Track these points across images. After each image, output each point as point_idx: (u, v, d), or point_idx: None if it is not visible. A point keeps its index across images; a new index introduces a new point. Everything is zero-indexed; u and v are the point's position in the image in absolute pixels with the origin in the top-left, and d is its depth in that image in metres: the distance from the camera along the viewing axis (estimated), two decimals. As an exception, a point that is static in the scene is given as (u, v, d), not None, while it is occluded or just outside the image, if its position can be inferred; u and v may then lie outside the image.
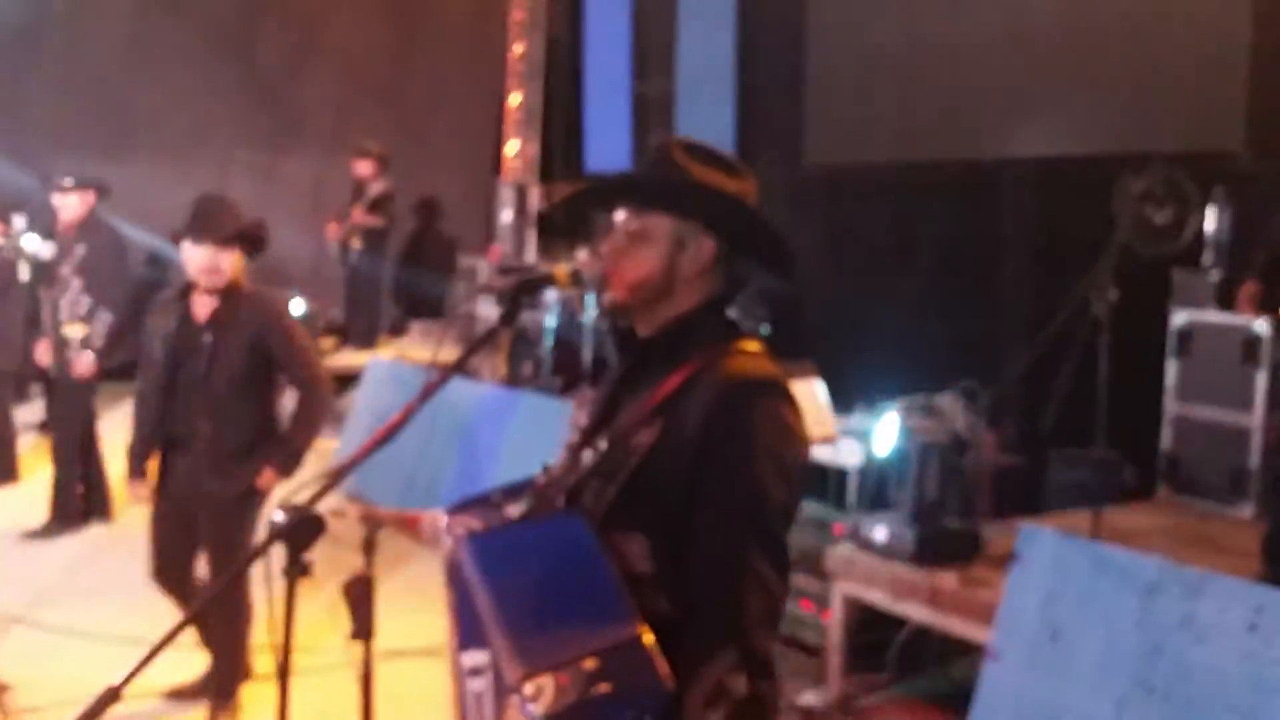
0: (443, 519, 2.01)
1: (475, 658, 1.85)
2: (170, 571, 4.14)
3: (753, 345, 1.97)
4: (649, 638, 1.71)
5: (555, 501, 1.94)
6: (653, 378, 1.93)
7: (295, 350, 4.11)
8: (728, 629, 1.76)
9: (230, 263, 4.02)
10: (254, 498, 4.06)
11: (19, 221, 7.46)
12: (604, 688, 1.65)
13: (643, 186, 2.04)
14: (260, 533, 3.98)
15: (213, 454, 3.99)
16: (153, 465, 4.13)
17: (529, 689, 1.65)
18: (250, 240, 4.09)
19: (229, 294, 4.05)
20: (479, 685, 1.84)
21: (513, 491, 2.03)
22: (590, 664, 1.66)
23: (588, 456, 1.94)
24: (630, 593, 1.76)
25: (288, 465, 4.06)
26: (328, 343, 10.03)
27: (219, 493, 3.98)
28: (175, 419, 4.05)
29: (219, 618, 4.09)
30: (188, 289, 4.09)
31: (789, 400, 1.91)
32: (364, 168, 9.85)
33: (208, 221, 4.01)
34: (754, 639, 1.77)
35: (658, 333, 1.99)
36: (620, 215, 2.00)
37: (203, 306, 4.06)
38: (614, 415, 1.97)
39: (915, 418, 4.28)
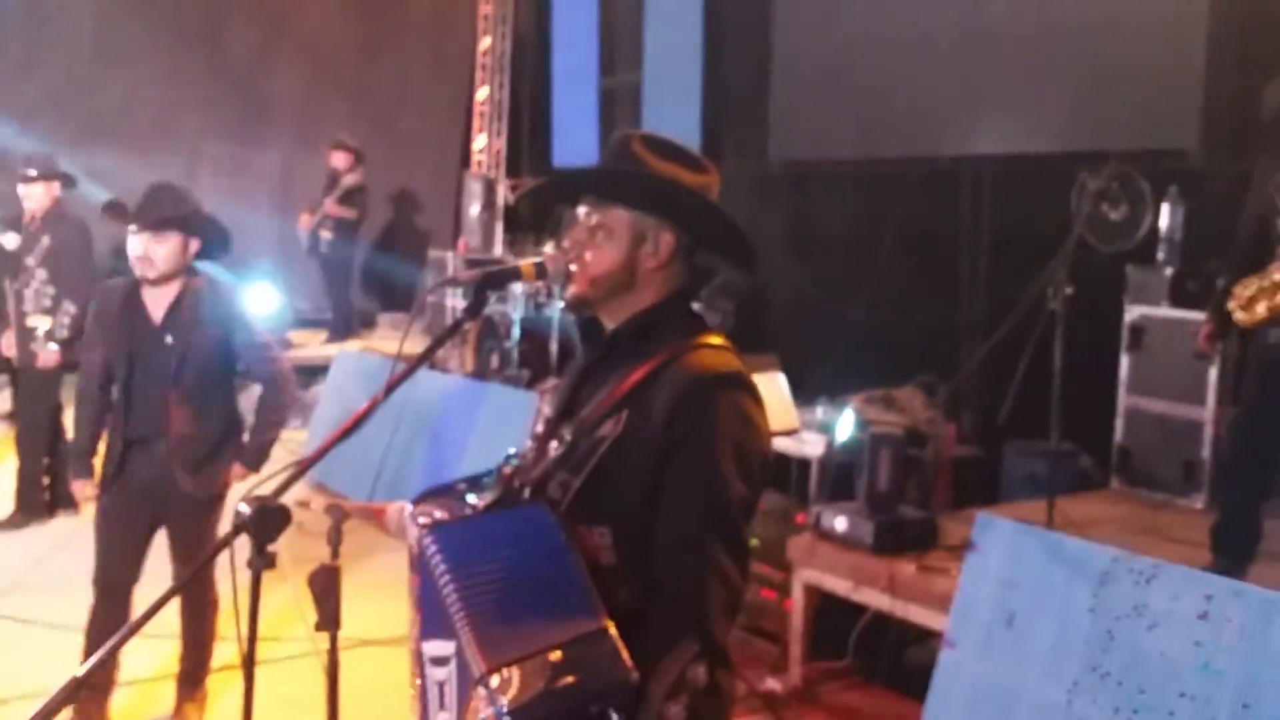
0: (408, 509, 2.00)
1: (439, 647, 1.85)
2: (119, 573, 3.92)
3: (716, 339, 1.98)
4: (613, 630, 1.73)
5: (521, 493, 1.95)
6: (617, 370, 1.94)
7: (259, 345, 3.97)
8: (689, 621, 1.78)
9: (166, 254, 3.75)
10: (223, 495, 3.95)
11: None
12: (569, 679, 1.67)
13: (601, 179, 2.04)
14: (224, 525, 3.94)
15: (187, 453, 3.83)
16: (97, 464, 3.97)
17: (495, 681, 1.66)
18: (193, 231, 3.81)
19: (185, 290, 3.83)
20: (442, 674, 1.85)
21: (478, 482, 2.03)
22: (555, 656, 1.68)
23: (553, 447, 1.95)
24: (597, 583, 1.78)
25: (256, 461, 3.97)
26: (306, 335, 10.05)
27: (191, 492, 3.84)
28: (136, 418, 3.84)
29: (190, 609, 4.02)
30: (137, 283, 3.84)
31: (752, 394, 1.93)
32: (339, 159, 9.91)
33: (141, 208, 3.76)
34: (714, 630, 1.80)
35: (622, 325, 2.00)
36: (581, 209, 2.00)
37: (156, 302, 3.84)
38: (579, 406, 1.98)
39: (871, 410, 4.36)
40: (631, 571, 1.83)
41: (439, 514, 1.94)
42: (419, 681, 1.94)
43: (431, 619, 1.88)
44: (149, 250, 3.72)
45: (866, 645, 4.52)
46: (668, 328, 1.96)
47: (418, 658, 1.94)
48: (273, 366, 4.01)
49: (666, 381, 1.87)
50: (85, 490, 4.00)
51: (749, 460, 1.87)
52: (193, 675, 4.11)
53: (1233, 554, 4.22)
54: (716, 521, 1.83)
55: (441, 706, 1.87)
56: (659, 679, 1.73)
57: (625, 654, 1.71)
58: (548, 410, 2.09)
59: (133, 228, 3.74)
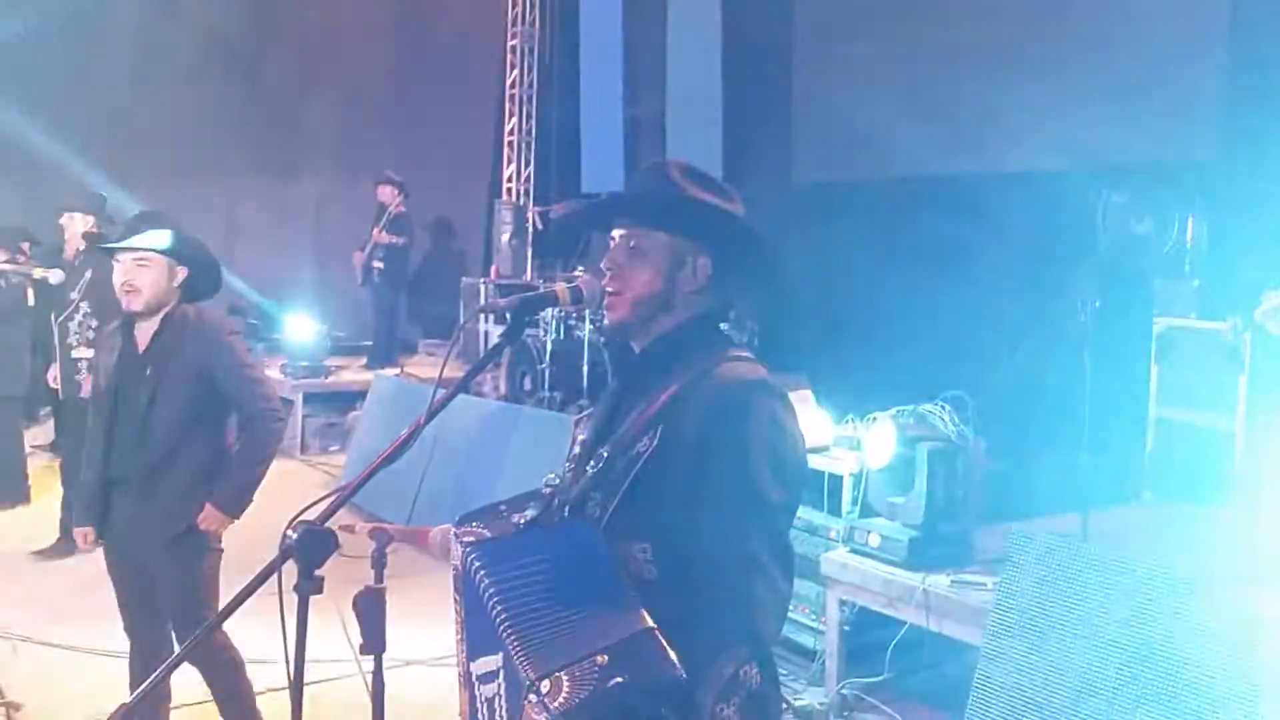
0: (452, 530, 2.04)
1: (486, 663, 1.88)
2: (134, 629, 3.77)
3: (744, 353, 2.01)
4: (658, 631, 1.73)
5: (561, 511, 1.98)
6: (651, 389, 1.97)
7: (244, 381, 3.67)
8: (737, 625, 1.80)
9: (151, 280, 3.56)
10: (201, 537, 3.61)
11: (30, 249, 7.60)
12: (618, 679, 1.68)
13: (643, 204, 2.07)
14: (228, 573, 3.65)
15: (149, 493, 3.58)
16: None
17: (545, 686, 1.68)
18: (179, 258, 3.62)
19: (168, 319, 3.61)
20: (490, 691, 1.88)
21: (519, 503, 2.07)
22: (603, 659, 1.69)
23: (590, 467, 1.98)
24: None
25: (231, 503, 3.63)
26: (344, 361, 10.40)
27: (159, 534, 3.57)
28: (116, 456, 3.61)
29: (208, 674, 3.75)
30: (131, 316, 3.64)
31: (784, 400, 1.95)
32: (386, 194, 10.46)
33: (124, 235, 3.60)
34: (763, 633, 1.82)
35: (652, 345, 2.03)
36: (618, 234, 2.04)
37: (143, 333, 3.64)
38: (615, 428, 2.01)
39: (912, 426, 4.37)
40: (673, 586, 1.85)
41: (482, 532, 1.98)
42: (468, 700, 1.97)
43: (478, 637, 1.92)
44: (130, 277, 3.55)
45: (902, 660, 4.53)
46: (697, 345, 2.00)
47: (466, 678, 1.97)
48: (259, 403, 3.68)
49: (699, 394, 1.91)
50: (87, 538, 3.74)
51: (784, 465, 1.89)
52: None
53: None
54: (757, 526, 1.85)
55: None
56: (711, 683, 1.75)
57: (672, 654, 1.72)
58: (583, 435, 2.12)
59: (117, 257, 3.60)
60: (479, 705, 1.93)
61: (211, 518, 3.60)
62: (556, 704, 1.67)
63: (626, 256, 2.01)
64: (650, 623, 1.74)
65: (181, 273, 3.65)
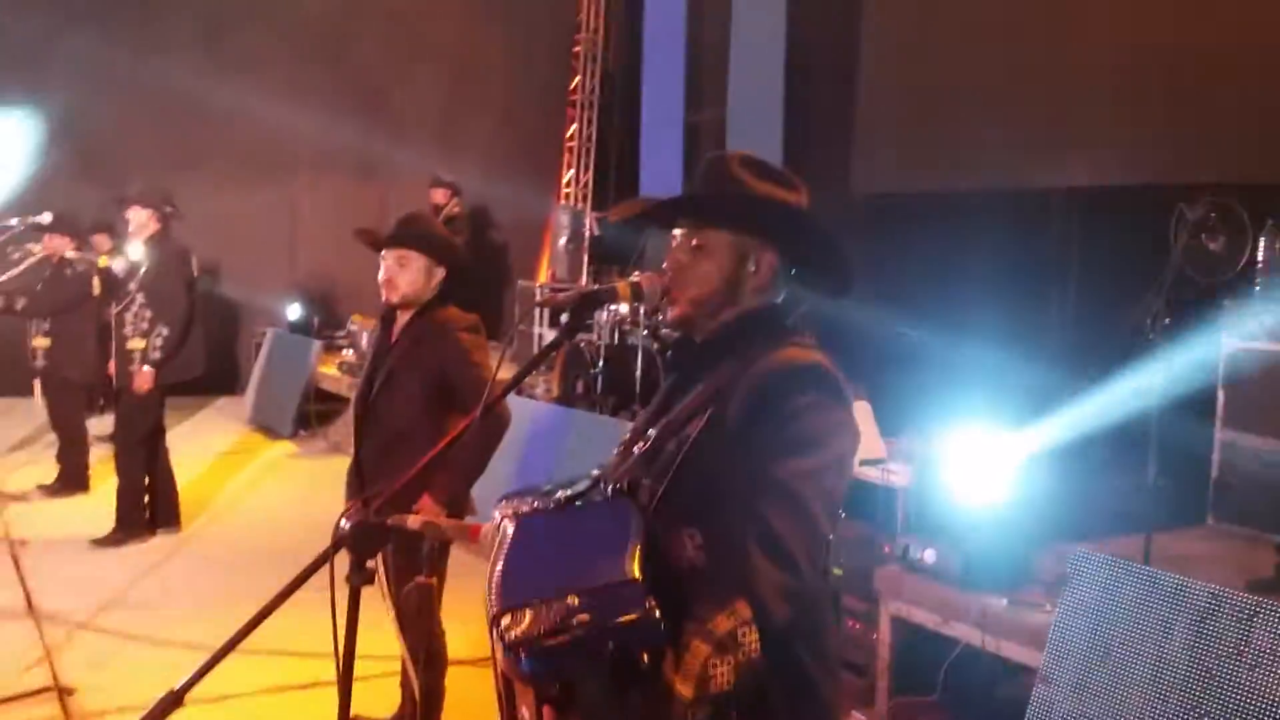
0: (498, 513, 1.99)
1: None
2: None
3: (807, 340, 1.96)
4: (642, 581, 1.66)
5: (605, 490, 1.94)
6: (706, 376, 1.95)
7: (469, 377, 3.73)
8: (744, 587, 1.73)
9: (407, 279, 3.75)
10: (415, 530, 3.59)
11: (101, 240, 7.72)
12: (583, 616, 1.62)
13: (706, 204, 2.04)
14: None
15: (377, 478, 3.69)
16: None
17: (506, 620, 1.64)
18: (439, 257, 3.82)
19: (418, 314, 3.80)
20: None
21: (567, 485, 2.01)
22: (573, 599, 1.64)
23: (638, 448, 1.95)
24: (686, 584, 1.75)
25: (446, 495, 3.63)
26: None
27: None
28: (360, 439, 3.82)
29: (418, 657, 3.71)
30: (392, 309, 3.87)
31: (830, 388, 1.88)
32: (439, 195, 10.57)
33: (393, 234, 3.79)
34: (770, 607, 1.73)
35: (713, 334, 2.00)
36: (679, 231, 2.01)
37: (398, 326, 3.86)
38: (667, 414, 1.98)
39: (980, 440, 4.31)
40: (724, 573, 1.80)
41: (521, 506, 1.94)
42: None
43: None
44: (391, 274, 3.75)
45: (956, 680, 4.45)
46: (757, 334, 1.96)
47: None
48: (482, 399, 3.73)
49: (747, 377, 1.87)
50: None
51: (820, 452, 1.83)
52: None
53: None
54: (779, 504, 1.78)
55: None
56: (707, 634, 1.67)
57: (652, 600, 1.65)
58: (639, 422, 2.09)
59: (382, 254, 3.79)
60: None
61: (427, 508, 3.57)
62: (513, 635, 1.63)
63: (689, 255, 1.99)
64: (636, 574, 1.67)
65: (440, 273, 3.83)
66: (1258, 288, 5.36)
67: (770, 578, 1.74)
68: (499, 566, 1.77)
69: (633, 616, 1.63)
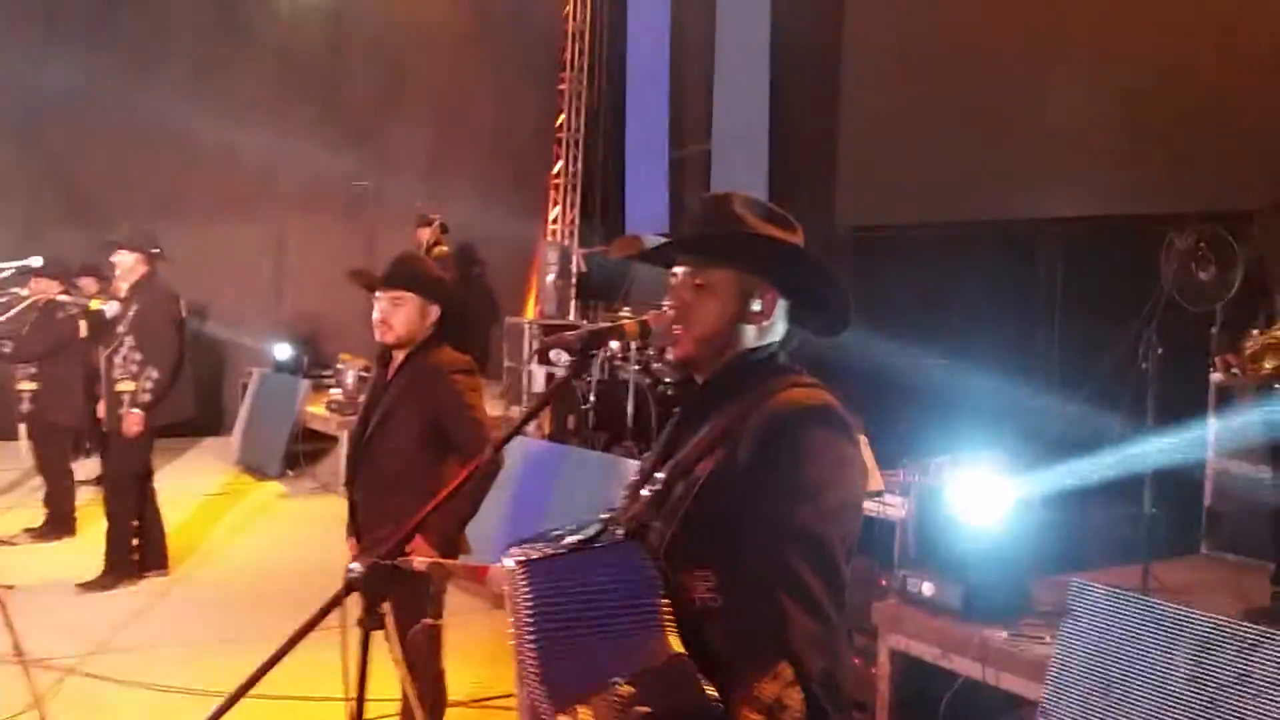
0: (507, 559, 1.96)
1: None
2: None
3: (809, 380, 1.95)
4: (686, 656, 1.67)
5: (615, 534, 1.93)
6: (711, 415, 1.94)
7: (463, 420, 3.72)
8: (780, 647, 1.71)
9: (402, 319, 3.73)
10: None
11: (88, 283, 7.69)
12: (642, 709, 1.61)
13: (711, 243, 2.03)
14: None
15: (374, 519, 3.63)
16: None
17: None
18: (432, 297, 3.80)
19: (413, 354, 3.77)
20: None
21: (576, 530, 2.00)
22: (627, 689, 1.62)
23: (646, 492, 1.94)
24: (698, 626, 1.74)
25: (436, 537, 3.55)
26: None
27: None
28: (356, 479, 3.78)
29: (426, 702, 3.61)
30: (386, 349, 3.83)
31: (841, 427, 1.87)
32: (425, 233, 10.56)
33: (385, 275, 3.78)
34: (806, 661, 1.72)
35: (717, 374, 1.99)
36: (680, 270, 2.00)
37: (393, 365, 3.83)
38: (674, 455, 1.96)
39: (979, 474, 4.31)
40: (737, 615, 1.79)
41: (531, 552, 1.91)
42: None
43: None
44: (385, 314, 3.73)
45: (956, 713, 4.42)
46: (762, 373, 1.95)
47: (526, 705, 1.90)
48: (476, 442, 3.64)
49: (755, 418, 1.86)
50: (353, 548, 3.66)
51: (835, 491, 1.82)
52: None
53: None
54: (804, 551, 1.77)
55: None
56: (754, 701, 1.67)
57: (702, 680, 1.65)
58: (645, 464, 2.08)
59: (375, 294, 3.77)
60: None
61: (421, 549, 3.44)
62: None
63: (693, 294, 1.98)
64: (679, 649, 1.67)
65: (434, 312, 3.79)
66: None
67: (804, 630, 1.73)
68: (530, 644, 1.75)
69: (690, 699, 1.64)
